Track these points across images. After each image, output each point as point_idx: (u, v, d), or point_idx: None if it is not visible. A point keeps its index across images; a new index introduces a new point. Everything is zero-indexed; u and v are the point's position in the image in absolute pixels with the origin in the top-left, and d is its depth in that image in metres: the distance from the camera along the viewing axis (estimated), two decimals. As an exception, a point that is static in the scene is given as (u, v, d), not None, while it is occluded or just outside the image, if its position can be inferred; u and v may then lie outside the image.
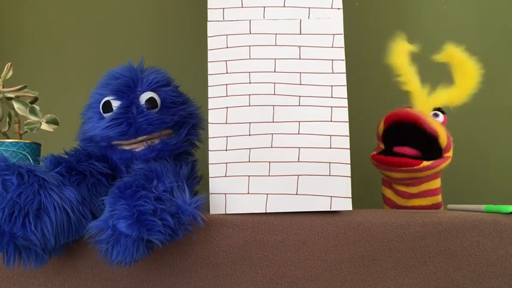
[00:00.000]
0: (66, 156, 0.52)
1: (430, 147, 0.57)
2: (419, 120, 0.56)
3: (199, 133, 0.59)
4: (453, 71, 0.62)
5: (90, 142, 0.55)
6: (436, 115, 0.61)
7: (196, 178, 0.57)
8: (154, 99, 0.53)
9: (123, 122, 0.51)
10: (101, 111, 0.54)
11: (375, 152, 0.62)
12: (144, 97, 0.53)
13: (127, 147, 0.53)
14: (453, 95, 0.61)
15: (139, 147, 0.53)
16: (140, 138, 0.52)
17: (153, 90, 0.54)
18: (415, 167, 0.56)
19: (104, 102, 0.53)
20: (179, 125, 0.56)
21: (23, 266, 0.43)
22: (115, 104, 0.53)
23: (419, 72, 0.63)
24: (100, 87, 0.55)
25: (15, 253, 0.41)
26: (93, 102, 0.55)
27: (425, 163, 0.56)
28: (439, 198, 0.62)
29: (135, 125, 0.51)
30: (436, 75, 0.60)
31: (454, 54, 0.61)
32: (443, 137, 0.57)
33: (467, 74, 0.61)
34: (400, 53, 0.63)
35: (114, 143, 0.53)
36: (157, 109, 0.53)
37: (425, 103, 0.61)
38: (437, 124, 0.58)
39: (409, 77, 0.62)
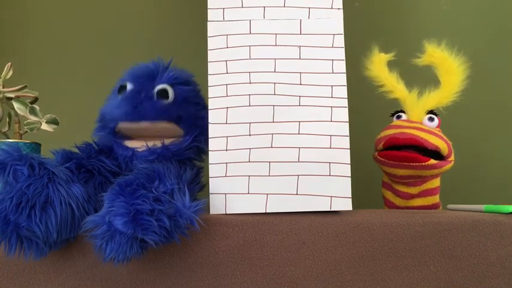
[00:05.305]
0: (77, 151, 0.53)
1: (432, 157, 0.57)
2: (419, 144, 0.56)
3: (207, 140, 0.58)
4: (437, 71, 0.61)
5: (100, 121, 0.57)
6: (431, 119, 0.60)
7: (199, 184, 0.57)
8: (167, 91, 0.54)
9: (131, 103, 0.52)
10: (117, 92, 0.55)
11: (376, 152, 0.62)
12: (158, 88, 0.54)
13: (130, 145, 0.54)
14: (441, 96, 0.60)
15: (141, 148, 0.54)
16: (143, 125, 0.52)
17: (170, 85, 0.55)
18: (423, 164, 0.56)
19: (120, 85, 0.55)
20: (186, 127, 0.55)
21: (23, 256, 0.43)
22: (129, 87, 0.54)
23: (409, 76, 0.62)
24: (125, 74, 0.58)
25: (17, 243, 0.42)
26: (116, 86, 0.57)
27: (432, 161, 0.57)
28: (437, 198, 0.62)
29: (140, 107, 0.52)
30: (424, 77, 0.60)
31: (435, 54, 0.61)
32: (444, 148, 0.58)
33: (451, 71, 0.60)
34: (378, 64, 0.63)
35: (119, 126, 0.53)
36: (167, 101, 0.54)
37: (416, 107, 0.61)
38: (436, 139, 0.57)
39: (394, 85, 0.62)
